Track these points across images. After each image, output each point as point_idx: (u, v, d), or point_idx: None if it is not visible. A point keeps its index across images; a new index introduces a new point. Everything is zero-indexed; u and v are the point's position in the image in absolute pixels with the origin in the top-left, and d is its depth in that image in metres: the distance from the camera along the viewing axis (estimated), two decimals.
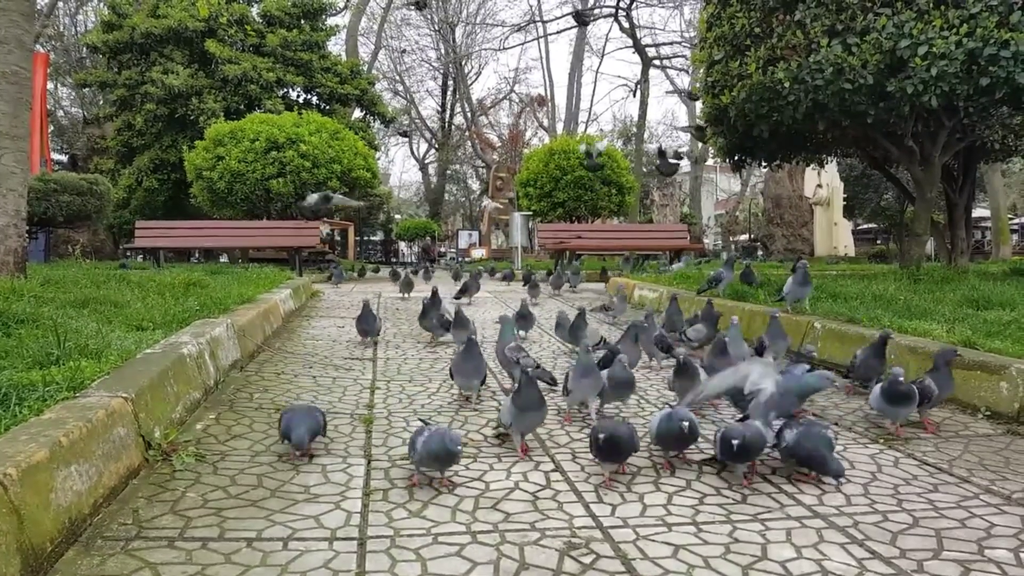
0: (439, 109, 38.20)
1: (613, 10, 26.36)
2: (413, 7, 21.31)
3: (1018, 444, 2.85)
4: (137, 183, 20.11)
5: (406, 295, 7.84)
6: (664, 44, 32.29)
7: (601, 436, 2.31)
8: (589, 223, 17.55)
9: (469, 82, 37.66)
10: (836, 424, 3.12)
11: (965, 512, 2.15)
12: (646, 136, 33.68)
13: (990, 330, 3.95)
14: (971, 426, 3.05)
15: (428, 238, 28.55)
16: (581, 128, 36.11)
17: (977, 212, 21.96)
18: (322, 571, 1.73)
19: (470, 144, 39.03)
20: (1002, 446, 2.82)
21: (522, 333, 5.18)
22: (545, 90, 38.52)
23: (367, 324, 4.98)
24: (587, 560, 1.82)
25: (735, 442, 2.27)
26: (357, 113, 23.36)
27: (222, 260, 16.31)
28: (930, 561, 1.83)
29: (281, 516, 2.03)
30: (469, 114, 37.31)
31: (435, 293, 5.39)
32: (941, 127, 7.36)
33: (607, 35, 76.16)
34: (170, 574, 1.69)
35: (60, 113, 30.11)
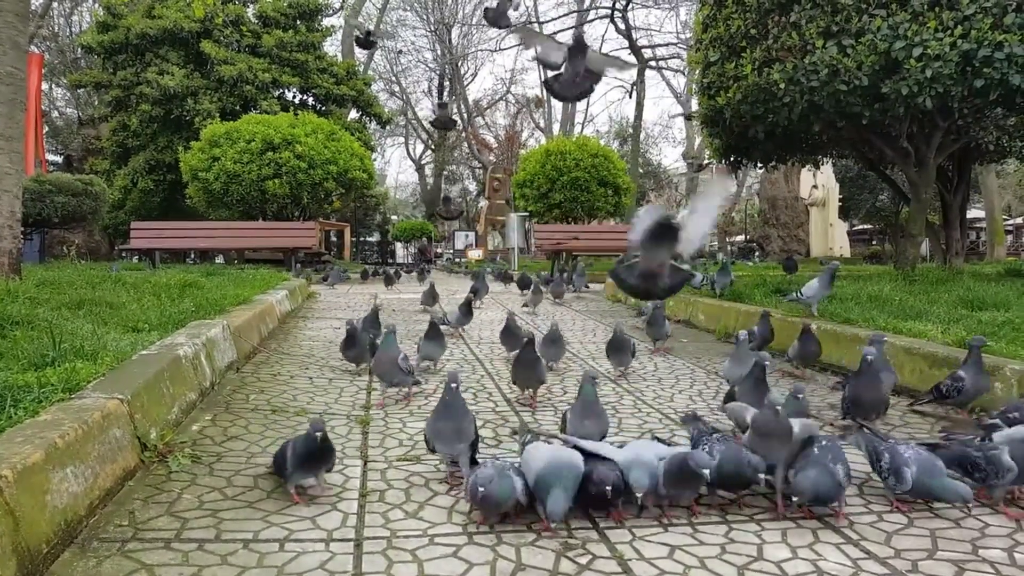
0: (435, 110, 38.20)
1: (609, 11, 26.39)
2: (360, 47, 20.74)
3: None
4: (132, 184, 20.07)
5: (429, 307, 6.79)
6: (660, 45, 32.38)
7: (480, 491, 1.94)
8: (586, 224, 17.57)
9: (465, 83, 37.70)
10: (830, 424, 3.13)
11: (959, 512, 2.16)
12: (642, 138, 33.73)
13: (984, 331, 3.96)
14: None
15: (424, 239, 28.55)
16: (577, 129, 36.17)
17: (972, 213, 22.00)
18: (318, 572, 1.74)
19: (466, 145, 39.06)
20: None
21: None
22: (541, 91, 38.55)
23: (360, 351, 3.99)
24: (583, 561, 1.82)
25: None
26: (353, 114, 23.34)
27: (218, 261, 16.30)
28: (925, 561, 1.84)
29: (277, 517, 2.03)
30: (465, 115, 37.31)
31: (469, 303, 5.31)
32: (936, 128, 7.39)
33: (603, 36, 75.99)
34: (166, 575, 1.70)
35: (55, 114, 30.08)
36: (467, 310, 5.31)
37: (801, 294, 4.79)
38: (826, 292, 4.72)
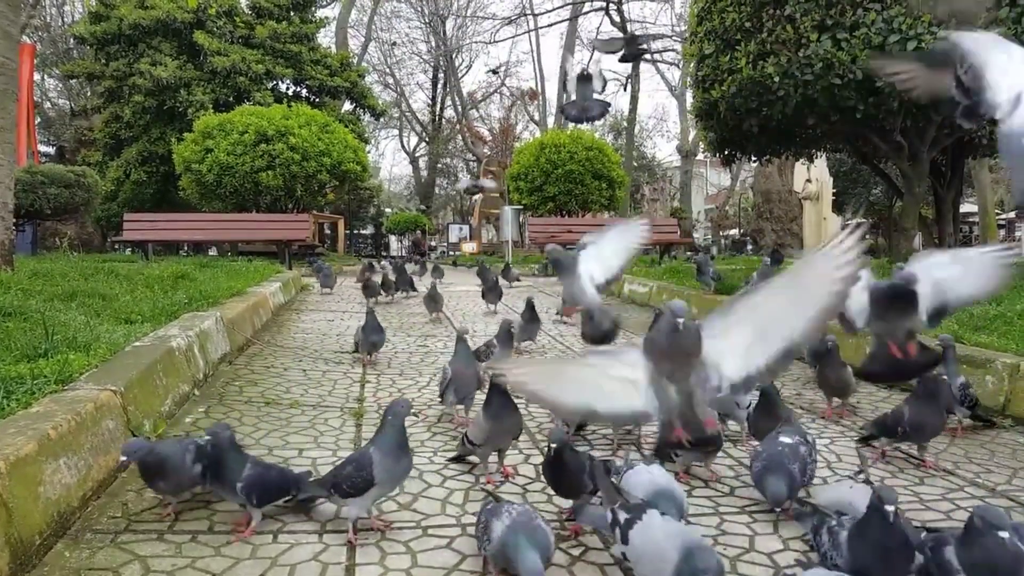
0: (429, 102, 38.12)
1: (604, 3, 26.34)
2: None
3: (1003, 437, 2.88)
4: (125, 175, 19.96)
5: (434, 314, 6.19)
6: (655, 38, 32.26)
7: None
8: (579, 217, 17.57)
9: (460, 75, 37.56)
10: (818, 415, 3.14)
11: (950, 504, 2.17)
12: (636, 131, 33.68)
13: (976, 324, 3.99)
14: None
15: (418, 232, 28.49)
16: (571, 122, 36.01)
17: (965, 207, 22.05)
18: (312, 564, 1.74)
19: (461, 138, 38.95)
20: (987, 439, 2.85)
21: None
22: (536, 84, 38.45)
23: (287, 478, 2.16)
24: (576, 552, 1.83)
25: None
26: (347, 106, 23.24)
27: (211, 253, 16.24)
28: None
29: (271, 509, 2.03)
30: (460, 107, 37.20)
31: (531, 306, 4.58)
32: (929, 122, 7.40)
33: (598, 29, 75.86)
34: (160, 567, 1.69)
35: (47, 105, 29.86)
36: (531, 316, 4.59)
37: None
38: None
